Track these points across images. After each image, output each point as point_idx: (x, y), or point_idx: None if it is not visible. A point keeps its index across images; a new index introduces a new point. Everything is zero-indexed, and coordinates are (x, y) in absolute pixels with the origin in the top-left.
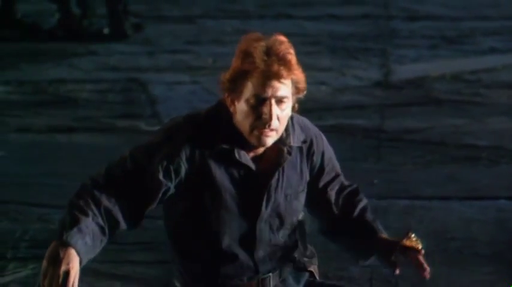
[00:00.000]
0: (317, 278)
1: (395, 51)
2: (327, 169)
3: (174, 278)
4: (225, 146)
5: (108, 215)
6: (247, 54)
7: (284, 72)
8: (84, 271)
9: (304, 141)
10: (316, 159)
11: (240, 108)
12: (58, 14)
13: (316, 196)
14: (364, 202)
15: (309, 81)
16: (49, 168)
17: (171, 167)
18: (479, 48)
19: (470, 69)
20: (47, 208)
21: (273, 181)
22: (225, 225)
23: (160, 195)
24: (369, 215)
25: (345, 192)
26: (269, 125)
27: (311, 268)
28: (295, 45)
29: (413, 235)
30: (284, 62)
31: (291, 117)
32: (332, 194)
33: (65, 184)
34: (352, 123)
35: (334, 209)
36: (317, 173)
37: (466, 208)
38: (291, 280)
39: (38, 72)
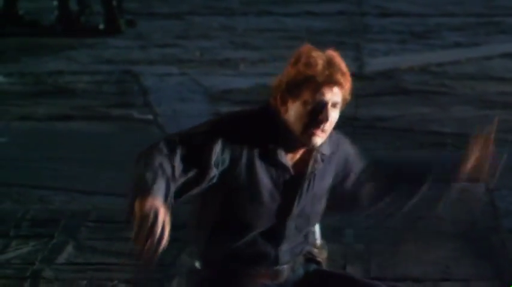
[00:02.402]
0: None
1: (368, 46)
2: (355, 170)
3: (195, 259)
4: (271, 145)
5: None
6: (310, 62)
7: (343, 81)
8: (80, 247)
9: (333, 152)
10: (342, 166)
11: (296, 109)
12: (57, 10)
13: (355, 195)
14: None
15: None
16: (48, 153)
17: (221, 157)
18: (445, 42)
19: (436, 62)
20: (47, 189)
21: (305, 185)
22: (257, 220)
23: (207, 180)
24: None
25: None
26: (323, 127)
27: (319, 259)
28: (276, 40)
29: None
30: (343, 72)
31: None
32: (369, 186)
33: (63, 168)
34: None
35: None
36: (344, 177)
37: (431, 189)
38: (300, 270)
39: (38, 64)
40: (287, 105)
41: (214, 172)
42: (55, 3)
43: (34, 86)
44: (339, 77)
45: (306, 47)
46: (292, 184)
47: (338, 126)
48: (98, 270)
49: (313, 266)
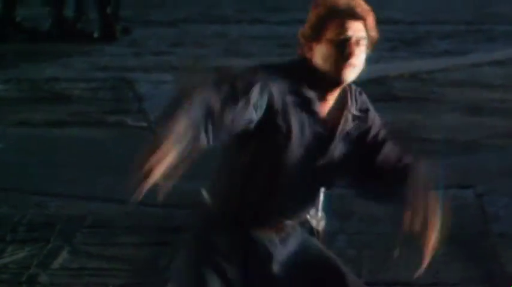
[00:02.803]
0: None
1: None
2: (378, 137)
3: (209, 196)
4: (305, 94)
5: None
6: (330, 3)
7: (364, 15)
8: (76, 252)
9: (367, 109)
10: (367, 127)
11: (322, 50)
12: (50, 18)
13: (370, 160)
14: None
15: None
16: (45, 158)
17: (259, 102)
18: (435, 50)
19: (426, 69)
20: (43, 195)
21: (334, 142)
22: (283, 168)
23: (243, 124)
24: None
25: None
26: (351, 61)
27: (317, 229)
28: (269, 48)
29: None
30: (363, 7)
31: (355, 89)
32: (386, 159)
33: (59, 173)
34: None
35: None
36: (369, 140)
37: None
38: (299, 234)
39: (35, 71)
40: (314, 49)
41: (252, 117)
42: (48, 9)
43: (31, 93)
44: (359, 11)
45: None
46: (321, 137)
47: None
48: (93, 275)
49: (305, 234)
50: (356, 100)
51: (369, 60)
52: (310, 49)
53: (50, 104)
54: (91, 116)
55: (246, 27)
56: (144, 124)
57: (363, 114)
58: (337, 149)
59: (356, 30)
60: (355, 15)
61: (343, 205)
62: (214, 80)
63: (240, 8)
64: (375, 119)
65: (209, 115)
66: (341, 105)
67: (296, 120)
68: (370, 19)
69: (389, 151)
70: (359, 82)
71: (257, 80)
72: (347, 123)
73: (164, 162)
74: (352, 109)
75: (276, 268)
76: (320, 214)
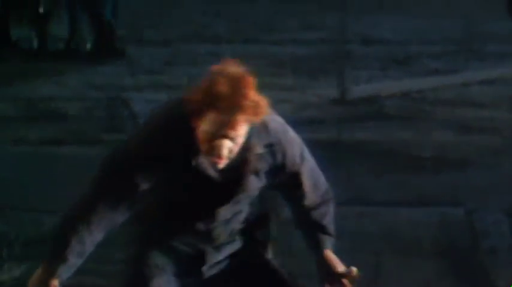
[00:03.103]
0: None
1: (351, 72)
2: (288, 166)
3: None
4: (193, 157)
5: (104, 222)
6: (208, 94)
7: (235, 124)
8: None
9: (267, 146)
10: (279, 158)
11: (200, 131)
12: (36, 39)
13: (284, 187)
14: (316, 214)
15: (273, 99)
16: (40, 176)
17: (148, 171)
18: (425, 69)
19: (417, 88)
20: (39, 212)
21: (238, 187)
22: (184, 214)
23: (138, 193)
24: (317, 225)
25: (314, 195)
26: (220, 157)
27: (257, 236)
28: (262, 67)
29: (354, 272)
30: (237, 112)
31: (261, 122)
32: (299, 191)
33: (55, 191)
34: (312, 137)
35: (302, 207)
36: (279, 169)
37: (413, 212)
38: (237, 239)
39: (31, 90)
40: (197, 123)
41: (143, 186)
42: (33, 32)
43: (26, 111)
44: (230, 120)
45: (219, 68)
46: (223, 185)
47: (323, 148)
48: None
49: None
50: (260, 137)
51: (361, 80)
52: (194, 121)
53: (46, 122)
54: (86, 134)
55: (239, 46)
56: None
57: (268, 149)
58: (251, 183)
59: (232, 128)
60: (231, 115)
61: (335, 222)
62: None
63: (232, 27)
64: (286, 152)
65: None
66: (245, 146)
67: (192, 180)
68: (252, 113)
69: (297, 185)
70: (352, 101)
71: (141, 155)
72: (254, 164)
73: None
74: (256, 149)
75: (208, 272)
76: (261, 218)
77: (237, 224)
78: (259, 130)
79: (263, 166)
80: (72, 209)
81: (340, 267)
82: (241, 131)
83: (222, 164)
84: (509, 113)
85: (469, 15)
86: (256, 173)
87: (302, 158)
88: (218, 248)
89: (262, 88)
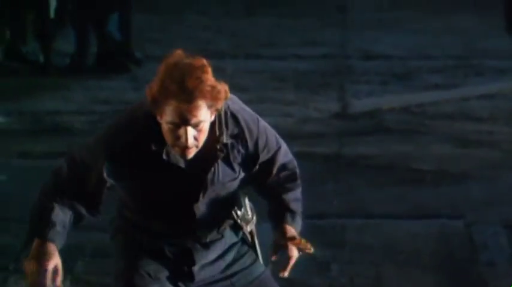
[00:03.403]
0: (249, 237)
1: (352, 87)
2: (261, 155)
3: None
4: (158, 147)
5: (72, 209)
6: (165, 82)
7: (199, 102)
8: (77, 281)
9: (237, 135)
10: (251, 147)
11: (162, 124)
12: (42, 54)
13: (255, 176)
14: (289, 190)
15: (275, 114)
16: None
17: (112, 167)
18: (425, 84)
19: (416, 102)
20: None
21: (209, 176)
22: (162, 213)
23: (105, 189)
24: (287, 202)
25: (281, 176)
26: (188, 146)
27: (246, 229)
28: (263, 82)
29: (302, 241)
30: (200, 90)
31: (225, 112)
32: (268, 176)
33: None
34: (314, 150)
35: (268, 185)
36: (253, 158)
37: (412, 225)
38: (228, 233)
39: (37, 104)
40: (158, 116)
41: (109, 181)
42: (39, 45)
43: (32, 125)
44: (188, 106)
45: (172, 57)
46: (194, 177)
47: (324, 161)
48: None
49: (235, 238)
50: (227, 127)
51: (362, 94)
52: (156, 114)
53: (51, 136)
54: None
55: (241, 61)
56: None
57: (237, 139)
58: (222, 173)
59: (193, 116)
60: (189, 100)
61: (335, 234)
62: (60, 180)
63: (234, 43)
64: (257, 141)
65: (74, 199)
66: (212, 136)
67: (160, 171)
68: (211, 98)
69: (272, 172)
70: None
71: (105, 148)
72: (221, 153)
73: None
74: (222, 138)
75: (199, 273)
76: (249, 214)
77: (222, 220)
78: (226, 120)
79: (235, 156)
80: (42, 194)
81: (294, 236)
82: (203, 117)
83: (191, 153)
84: (508, 127)
85: (468, 32)
86: (229, 163)
87: (277, 144)
88: (206, 245)
89: (264, 102)
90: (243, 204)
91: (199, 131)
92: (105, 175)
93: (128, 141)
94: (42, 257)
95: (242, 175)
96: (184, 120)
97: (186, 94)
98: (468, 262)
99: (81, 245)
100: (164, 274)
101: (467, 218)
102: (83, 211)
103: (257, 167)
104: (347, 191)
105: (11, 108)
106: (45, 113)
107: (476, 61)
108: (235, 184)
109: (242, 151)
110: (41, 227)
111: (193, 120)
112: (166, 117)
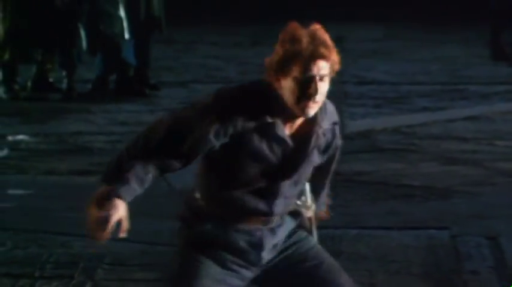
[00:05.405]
0: (307, 225)
1: (348, 109)
2: (330, 150)
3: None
4: (268, 119)
5: (157, 166)
6: (295, 40)
7: (327, 53)
8: None
9: (335, 123)
10: (332, 139)
11: (287, 84)
12: (66, 80)
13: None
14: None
15: None
16: (70, 204)
17: (221, 130)
18: (415, 107)
19: (407, 124)
20: (68, 236)
21: (306, 157)
22: (255, 182)
23: (206, 150)
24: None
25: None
26: (314, 99)
27: (306, 215)
28: None
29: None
30: (326, 45)
31: (324, 102)
32: (327, 173)
33: (82, 217)
34: None
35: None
36: (330, 149)
37: (403, 236)
38: (289, 221)
39: (61, 126)
40: (280, 81)
41: (213, 144)
42: (64, 73)
43: (57, 145)
44: (322, 50)
45: (292, 25)
46: (292, 154)
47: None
48: None
49: (293, 224)
50: (326, 113)
51: (357, 116)
52: (277, 80)
53: (74, 155)
54: None
55: None
56: None
57: (332, 126)
58: (312, 157)
59: (320, 68)
60: (317, 56)
61: (333, 244)
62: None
63: (241, 70)
64: (337, 134)
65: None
66: (312, 120)
67: (262, 144)
68: (333, 55)
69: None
70: (349, 135)
71: (216, 113)
72: (319, 139)
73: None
74: (323, 124)
75: (266, 255)
76: (309, 201)
77: (290, 205)
78: (325, 107)
79: (321, 142)
80: (131, 146)
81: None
82: (328, 71)
83: (314, 109)
84: (490, 146)
85: (454, 61)
86: (318, 148)
87: (339, 142)
88: (273, 230)
89: None
90: (305, 191)
91: (323, 86)
92: (211, 136)
93: (243, 109)
94: (107, 208)
95: (319, 162)
96: (314, 71)
97: (317, 46)
98: (454, 271)
99: (101, 254)
100: (222, 273)
101: (453, 230)
102: (170, 168)
103: (325, 158)
104: (344, 204)
105: (38, 129)
106: (68, 134)
107: (461, 86)
108: (311, 169)
109: (329, 138)
110: (116, 178)
111: (322, 72)
112: (297, 72)
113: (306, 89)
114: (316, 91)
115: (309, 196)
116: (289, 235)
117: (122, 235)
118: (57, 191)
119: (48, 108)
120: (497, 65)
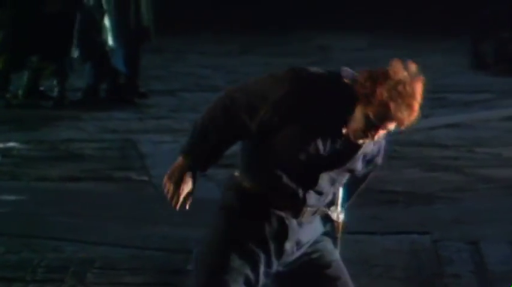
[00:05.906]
0: (334, 233)
1: None
2: (371, 165)
3: (243, 178)
4: (336, 115)
5: (234, 134)
6: (407, 105)
7: (407, 123)
8: None
9: (384, 137)
10: (376, 154)
11: (362, 111)
12: (57, 88)
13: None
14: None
15: None
16: (61, 209)
17: (291, 101)
18: None
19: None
20: (59, 240)
21: (352, 158)
22: (291, 170)
23: (265, 127)
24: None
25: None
26: (369, 139)
27: (336, 221)
28: None
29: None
30: (412, 116)
31: None
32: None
33: (73, 222)
34: None
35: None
36: (371, 161)
37: (386, 240)
38: (317, 222)
39: (53, 133)
40: (362, 102)
41: (275, 122)
42: (55, 81)
43: (49, 152)
44: (408, 122)
45: (417, 83)
46: (341, 151)
47: None
48: None
49: (322, 228)
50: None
51: None
52: (363, 97)
53: (66, 162)
54: (101, 172)
55: None
56: (146, 179)
57: (382, 141)
58: (355, 163)
59: (390, 127)
60: (401, 124)
61: None
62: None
63: (229, 78)
64: (382, 149)
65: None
66: None
67: (318, 130)
68: (410, 121)
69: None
70: None
71: (293, 92)
72: (368, 146)
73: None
74: (379, 136)
75: (288, 246)
76: (340, 208)
77: (322, 205)
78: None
79: (369, 150)
80: (210, 118)
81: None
82: (393, 128)
83: (366, 142)
84: (471, 153)
85: (435, 70)
86: (364, 155)
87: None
88: (301, 224)
89: None
90: (336, 200)
91: (383, 133)
92: (278, 106)
93: (318, 89)
94: (181, 181)
95: (359, 170)
96: (386, 125)
97: (409, 116)
98: (435, 275)
99: (91, 258)
100: (248, 266)
101: (435, 235)
102: (242, 137)
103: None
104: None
105: (30, 137)
106: (60, 141)
107: (442, 95)
108: (348, 174)
109: (374, 152)
110: (196, 153)
111: (391, 127)
112: (372, 113)
113: (370, 130)
114: (375, 137)
115: (339, 205)
116: (317, 241)
117: (187, 206)
118: (49, 197)
119: (40, 115)
120: (477, 74)
